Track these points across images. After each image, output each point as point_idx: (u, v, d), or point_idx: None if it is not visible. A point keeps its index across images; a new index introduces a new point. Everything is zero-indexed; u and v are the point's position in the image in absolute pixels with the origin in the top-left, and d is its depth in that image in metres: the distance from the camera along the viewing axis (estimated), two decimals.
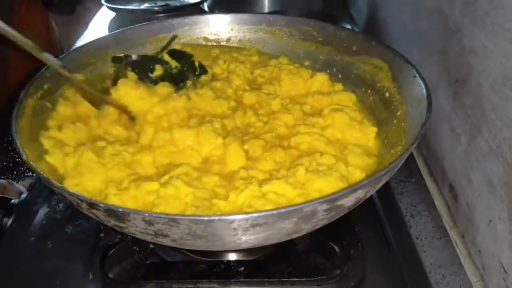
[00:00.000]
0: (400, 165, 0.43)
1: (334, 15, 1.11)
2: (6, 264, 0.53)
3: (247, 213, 0.36)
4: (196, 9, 1.14)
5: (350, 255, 0.52)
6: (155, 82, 0.63)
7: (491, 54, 0.53)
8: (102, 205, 0.36)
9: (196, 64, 0.67)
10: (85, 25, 1.22)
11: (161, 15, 1.13)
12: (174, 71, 0.65)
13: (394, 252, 0.54)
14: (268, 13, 1.07)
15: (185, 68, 0.66)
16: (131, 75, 0.63)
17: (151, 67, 0.64)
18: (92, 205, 0.37)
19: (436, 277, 0.54)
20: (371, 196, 0.60)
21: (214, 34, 0.73)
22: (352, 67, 0.65)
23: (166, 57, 0.65)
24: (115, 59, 0.64)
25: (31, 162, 0.41)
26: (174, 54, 0.67)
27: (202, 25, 0.72)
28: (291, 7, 1.11)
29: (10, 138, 0.86)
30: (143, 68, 0.64)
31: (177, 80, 0.64)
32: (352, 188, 0.38)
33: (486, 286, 0.54)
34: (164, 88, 0.60)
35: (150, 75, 0.64)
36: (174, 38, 0.71)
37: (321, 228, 0.43)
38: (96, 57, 0.65)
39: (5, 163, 0.84)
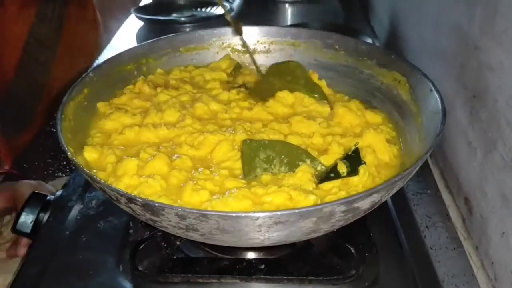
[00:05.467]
0: (414, 172, 0.46)
1: (355, 28, 1.13)
2: (43, 255, 0.57)
3: (271, 211, 0.39)
4: (221, 20, 1.18)
5: (365, 257, 0.54)
6: None
7: (507, 71, 0.55)
8: (140, 200, 0.40)
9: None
10: (113, 33, 1.27)
11: (188, 25, 1.17)
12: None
13: (408, 258, 0.56)
14: (291, 25, 1.11)
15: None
16: None
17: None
18: (130, 199, 0.40)
19: (449, 287, 0.56)
20: (387, 205, 0.63)
21: (241, 45, 0.77)
22: (372, 79, 0.68)
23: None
24: None
25: (75, 159, 0.45)
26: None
27: (229, 36, 0.76)
28: (314, 20, 1.14)
29: (41, 140, 0.92)
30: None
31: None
32: (368, 192, 0.41)
33: None
34: None
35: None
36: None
37: (338, 231, 0.45)
38: (132, 64, 0.69)
39: (36, 163, 0.89)
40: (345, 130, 0.61)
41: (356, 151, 0.53)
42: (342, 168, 0.51)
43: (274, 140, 0.55)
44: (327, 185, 0.50)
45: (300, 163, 0.52)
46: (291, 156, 0.53)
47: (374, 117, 0.63)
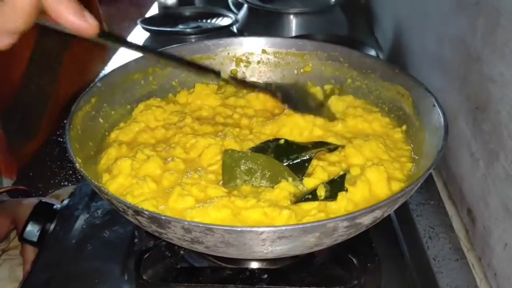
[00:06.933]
0: (416, 188, 0.46)
1: (360, 40, 1.14)
2: (50, 264, 0.58)
3: (275, 226, 0.40)
4: (226, 31, 1.19)
5: (367, 268, 0.54)
6: None
7: (509, 83, 0.56)
8: (147, 213, 0.40)
9: None
10: None
11: (193, 36, 1.18)
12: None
13: (410, 268, 0.56)
14: (296, 36, 1.12)
15: None
16: None
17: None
18: (137, 212, 0.41)
19: None
20: (389, 216, 0.63)
21: (246, 56, 0.78)
22: (376, 92, 0.69)
23: None
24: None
25: (82, 170, 0.46)
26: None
27: (235, 46, 0.77)
28: (318, 31, 1.15)
29: (48, 150, 0.93)
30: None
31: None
32: (371, 208, 0.42)
33: None
34: None
35: None
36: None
37: (341, 242, 0.46)
38: (139, 73, 0.70)
39: (42, 173, 0.89)
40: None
41: (342, 177, 0.53)
42: (321, 192, 0.51)
43: (256, 154, 0.55)
44: (306, 205, 0.50)
45: (282, 180, 0.53)
46: (274, 171, 0.53)
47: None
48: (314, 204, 0.50)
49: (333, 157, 0.58)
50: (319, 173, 0.54)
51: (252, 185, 0.53)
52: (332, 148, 0.59)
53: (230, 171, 0.53)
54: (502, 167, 0.57)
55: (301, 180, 0.53)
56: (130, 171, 0.54)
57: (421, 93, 0.60)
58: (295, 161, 0.56)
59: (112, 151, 0.58)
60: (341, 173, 0.54)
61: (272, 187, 0.52)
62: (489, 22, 0.61)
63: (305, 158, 0.56)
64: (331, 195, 0.50)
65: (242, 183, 0.53)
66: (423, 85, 0.60)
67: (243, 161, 0.53)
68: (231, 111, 0.68)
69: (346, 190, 0.50)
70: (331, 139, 0.60)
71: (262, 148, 0.58)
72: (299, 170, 0.54)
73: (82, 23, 0.42)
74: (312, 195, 0.51)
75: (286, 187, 0.52)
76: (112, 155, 0.57)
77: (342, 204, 0.49)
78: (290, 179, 0.53)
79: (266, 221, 0.47)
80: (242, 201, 0.49)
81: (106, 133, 0.63)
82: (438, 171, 0.79)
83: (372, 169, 0.53)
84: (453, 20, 0.75)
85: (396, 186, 0.53)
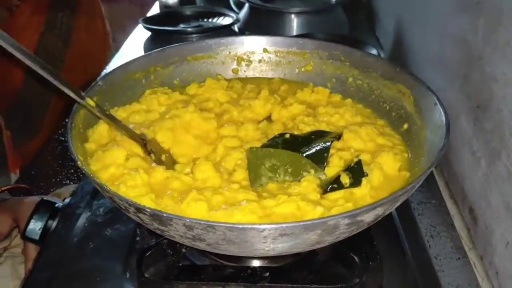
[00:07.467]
0: (417, 186, 0.46)
1: (361, 39, 1.14)
2: (52, 262, 0.58)
3: (276, 223, 0.40)
4: (227, 31, 1.19)
5: (369, 266, 0.54)
6: None
7: (510, 82, 0.56)
8: (149, 210, 0.41)
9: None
10: (121, 43, 1.29)
11: (194, 35, 1.18)
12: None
13: (411, 267, 0.56)
14: (297, 36, 1.12)
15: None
16: None
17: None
18: (139, 209, 0.41)
19: None
20: (391, 214, 0.63)
21: (247, 55, 0.78)
22: (377, 91, 0.69)
23: None
24: None
25: (84, 168, 0.46)
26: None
27: (237, 45, 0.77)
28: (319, 31, 1.14)
29: (49, 148, 0.93)
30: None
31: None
32: (372, 205, 0.42)
33: None
34: None
35: None
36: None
37: (342, 240, 0.46)
38: (140, 72, 0.70)
39: (44, 171, 0.89)
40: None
41: (359, 163, 0.54)
42: (345, 179, 0.52)
43: (279, 150, 0.56)
44: (332, 195, 0.51)
45: (304, 173, 0.53)
46: (296, 165, 0.54)
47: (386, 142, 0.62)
48: (340, 193, 0.51)
49: (339, 144, 0.59)
50: (336, 160, 0.55)
51: (277, 181, 0.53)
52: (336, 136, 0.59)
53: (256, 169, 0.53)
54: (504, 165, 0.57)
55: (323, 170, 0.54)
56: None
57: (423, 91, 0.60)
58: (311, 152, 0.57)
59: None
60: (355, 159, 0.55)
61: (299, 181, 0.52)
62: (491, 21, 0.61)
63: (322, 147, 0.57)
64: (355, 182, 0.52)
65: (267, 180, 0.53)
66: (425, 83, 0.60)
67: (267, 157, 0.54)
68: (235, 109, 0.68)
69: (367, 175, 0.52)
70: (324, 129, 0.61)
71: (270, 145, 0.58)
72: (320, 160, 0.55)
73: None
74: (337, 184, 0.52)
75: (313, 180, 0.52)
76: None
77: (366, 189, 0.51)
78: (312, 171, 0.54)
79: (299, 215, 0.48)
80: (273, 200, 0.49)
81: None
82: (439, 170, 0.79)
83: (383, 154, 0.55)
84: (455, 19, 0.75)
85: (402, 171, 0.55)
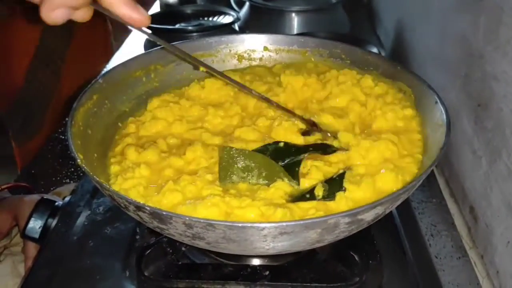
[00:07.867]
0: (418, 185, 0.46)
1: (361, 38, 1.14)
2: (51, 260, 0.58)
3: (276, 222, 0.40)
4: (228, 29, 1.19)
5: (369, 265, 0.54)
6: None
7: (511, 81, 0.56)
8: (148, 208, 0.40)
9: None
10: (122, 41, 1.29)
11: (195, 34, 1.18)
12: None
13: (412, 266, 0.56)
14: (298, 34, 1.12)
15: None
16: None
17: None
18: (138, 207, 0.41)
19: None
20: (391, 213, 0.63)
21: (248, 53, 0.78)
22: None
23: None
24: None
25: (84, 166, 0.46)
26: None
27: (237, 44, 0.77)
28: (320, 29, 1.14)
29: (50, 147, 0.93)
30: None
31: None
32: (372, 204, 0.42)
33: None
34: None
35: None
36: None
37: (342, 238, 0.46)
38: (140, 70, 0.70)
39: (44, 170, 0.90)
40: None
41: (341, 176, 0.51)
42: (319, 191, 0.49)
43: (254, 153, 0.55)
44: (304, 204, 0.49)
45: (278, 180, 0.52)
46: (270, 171, 0.53)
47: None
48: (313, 203, 0.49)
49: (332, 158, 0.56)
50: (314, 173, 0.53)
51: (249, 182, 0.52)
52: (330, 151, 0.56)
53: (226, 167, 0.53)
54: (505, 164, 0.57)
55: (296, 181, 0.52)
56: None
57: (423, 90, 0.59)
58: (288, 162, 0.55)
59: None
60: (340, 171, 0.52)
61: (268, 186, 0.51)
62: (492, 20, 0.61)
63: (296, 159, 0.55)
64: (329, 195, 0.49)
65: (239, 180, 0.52)
66: (426, 82, 0.60)
67: (240, 158, 0.53)
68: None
69: (344, 190, 0.49)
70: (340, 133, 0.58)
71: (260, 151, 0.56)
72: (291, 172, 0.53)
73: (134, 15, 0.44)
74: (309, 195, 0.50)
75: (282, 187, 0.51)
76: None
77: (341, 203, 0.48)
78: (286, 179, 0.52)
79: (262, 220, 0.46)
80: (237, 201, 0.48)
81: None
82: (440, 169, 0.79)
83: (382, 175, 0.51)
84: (455, 17, 0.75)
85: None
